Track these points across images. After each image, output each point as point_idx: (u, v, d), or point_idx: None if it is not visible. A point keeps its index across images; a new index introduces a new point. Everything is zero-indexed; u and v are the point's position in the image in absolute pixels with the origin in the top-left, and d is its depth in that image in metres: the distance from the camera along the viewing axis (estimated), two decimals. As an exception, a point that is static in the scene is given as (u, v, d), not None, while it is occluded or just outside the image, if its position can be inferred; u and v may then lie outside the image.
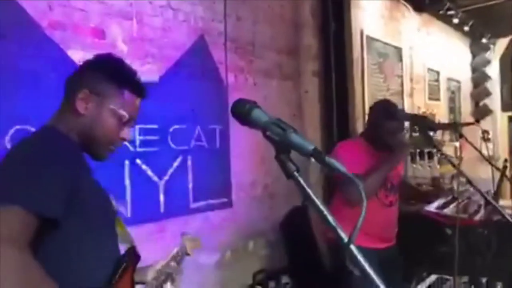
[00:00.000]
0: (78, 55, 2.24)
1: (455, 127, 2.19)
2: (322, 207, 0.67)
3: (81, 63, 1.24)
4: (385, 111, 2.14)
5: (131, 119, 1.20)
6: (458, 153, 6.25)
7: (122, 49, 2.47)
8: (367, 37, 4.85)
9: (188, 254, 1.52)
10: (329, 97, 4.02)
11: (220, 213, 3.03)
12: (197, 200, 2.87)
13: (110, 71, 1.17)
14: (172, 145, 2.74)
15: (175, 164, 2.75)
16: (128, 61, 2.51)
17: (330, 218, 0.66)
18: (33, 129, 2.02)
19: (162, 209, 2.64)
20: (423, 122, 2.17)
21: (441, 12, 5.77)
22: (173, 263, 1.45)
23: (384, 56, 5.31)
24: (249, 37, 3.32)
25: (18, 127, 2.00)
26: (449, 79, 7.01)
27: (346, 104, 4.12)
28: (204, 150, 2.96)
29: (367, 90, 4.82)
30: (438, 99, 6.58)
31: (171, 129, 2.74)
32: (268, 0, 3.54)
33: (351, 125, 4.12)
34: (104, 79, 1.15)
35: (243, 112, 0.74)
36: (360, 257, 0.62)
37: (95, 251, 1.12)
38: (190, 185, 2.83)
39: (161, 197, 2.65)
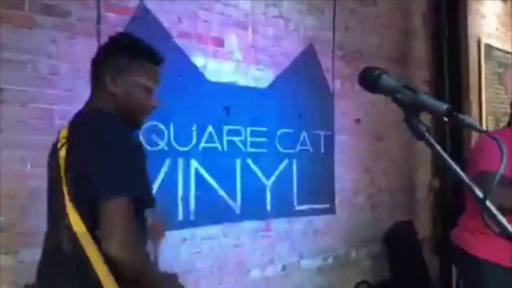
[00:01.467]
0: (201, 61, 2.50)
1: None
2: (455, 166, 0.67)
3: (102, 45, 1.32)
4: None
5: (156, 87, 1.26)
6: None
7: (238, 57, 2.67)
8: (486, 45, 4.51)
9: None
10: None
11: (323, 218, 3.04)
12: (301, 203, 2.92)
13: (129, 49, 1.22)
14: (279, 148, 2.85)
15: (281, 166, 2.85)
16: (242, 67, 2.73)
17: (464, 176, 0.66)
18: (161, 125, 2.34)
19: (268, 208, 2.75)
20: None
21: None
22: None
23: (505, 66, 4.86)
24: (357, 45, 3.33)
25: (150, 122, 2.28)
26: None
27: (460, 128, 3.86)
28: (309, 154, 3.01)
29: (485, 102, 4.46)
30: None
31: (278, 133, 2.85)
32: (377, 8, 3.52)
33: (466, 138, 3.83)
34: (125, 57, 1.21)
35: (372, 79, 0.77)
36: (496, 212, 0.61)
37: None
38: (295, 188, 2.90)
39: (268, 197, 2.76)
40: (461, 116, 0.66)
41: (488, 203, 0.61)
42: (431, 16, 3.89)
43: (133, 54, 1.22)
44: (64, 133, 1.16)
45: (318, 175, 3.06)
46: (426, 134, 0.70)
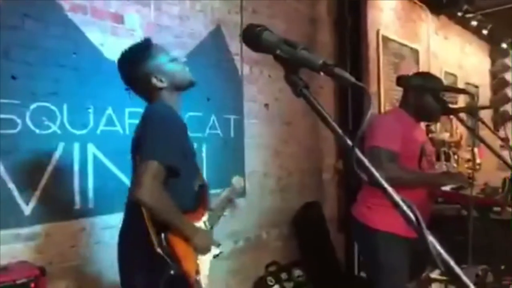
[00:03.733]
0: (98, 38, 2.32)
1: (471, 109, 2.12)
2: (332, 122, 0.68)
3: (122, 63, 1.64)
4: (432, 84, 2.10)
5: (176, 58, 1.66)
6: (476, 159, 6.13)
7: (140, 35, 2.52)
8: (383, 37, 4.85)
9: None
10: (344, 94, 4.02)
11: (233, 201, 3.03)
12: (211, 187, 2.87)
13: (153, 52, 1.58)
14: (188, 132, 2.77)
15: (190, 150, 2.78)
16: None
17: (336, 128, 0.67)
18: (52, 106, 2.13)
19: (176, 194, 2.66)
20: (433, 82, 2.12)
21: (459, 14, 5.73)
22: (231, 194, 1.84)
23: (400, 57, 5.29)
24: (265, 30, 3.36)
25: (39, 103, 2.07)
26: (467, 84, 6.92)
27: (361, 101, 4.11)
28: (219, 138, 2.99)
29: (383, 90, 4.81)
30: (455, 104, 6.51)
31: (186, 116, 2.76)
32: (284, -5, 3.58)
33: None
34: (156, 59, 1.57)
35: (254, 35, 0.75)
36: (366, 162, 0.62)
37: (192, 182, 1.60)
38: (205, 172, 2.85)
39: (175, 182, 2.67)
40: (336, 69, 0.66)
41: (356, 151, 0.63)
42: (334, 6, 4.07)
43: (159, 53, 1.58)
44: None
45: (228, 159, 3.04)
46: (304, 90, 0.70)
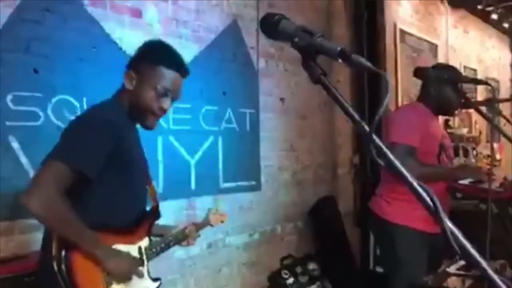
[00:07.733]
0: (116, 32, 2.35)
1: (491, 103, 2.09)
2: (349, 108, 0.68)
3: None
4: (450, 75, 2.08)
5: (167, 91, 1.37)
6: (497, 156, 6.02)
7: (157, 29, 2.55)
8: (401, 30, 4.79)
9: (211, 225, 1.72)
10: (361, 88, 3.99)
11: (249, 195, 3.06)
12: (227, 180, 2.91)
13: (148, 52, 1.39)
14: (204, 126, 2.80)
15: (206, 144, 2.81)
16: (163, 40, 2.61)
17: (354, 114, 0.67)
18: (72, 99, 2.18)
19: (193, 187, 2.70)
20: (453, 73, 2.09)
21: (479, 7, 5.61)
22: (192, 228, 1.63)
23: (418, 51, 5.21)
24: (281, 24, 3.35)
25: (60, 96, 2.11)
26: (487, 78, 6.79)
27: (378, 96, 4.07)
28: (235, 132, 3.00)
29: (400, 84, 4.75)
30: (475, 98, 6.38)
31: (203, 110, 2.80)
32: (301, -12, 3.57)
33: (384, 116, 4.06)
34: (144, 59, 1.38)
35: (272, 24, 0.76)
36: (385, 149, 0.63)
37: (126, 199, 1.37)
38: (220, 165, 2.88)
39: (192, 175, 2.71)
40: (354, 56, 0.66)
41: (374, 136, 0.63)
42: (351, 0, 4.03)
43: (152, 57, 1.37)
44: None
45: (244, 153, 3.06)
46: (322, 77, 0.70)
